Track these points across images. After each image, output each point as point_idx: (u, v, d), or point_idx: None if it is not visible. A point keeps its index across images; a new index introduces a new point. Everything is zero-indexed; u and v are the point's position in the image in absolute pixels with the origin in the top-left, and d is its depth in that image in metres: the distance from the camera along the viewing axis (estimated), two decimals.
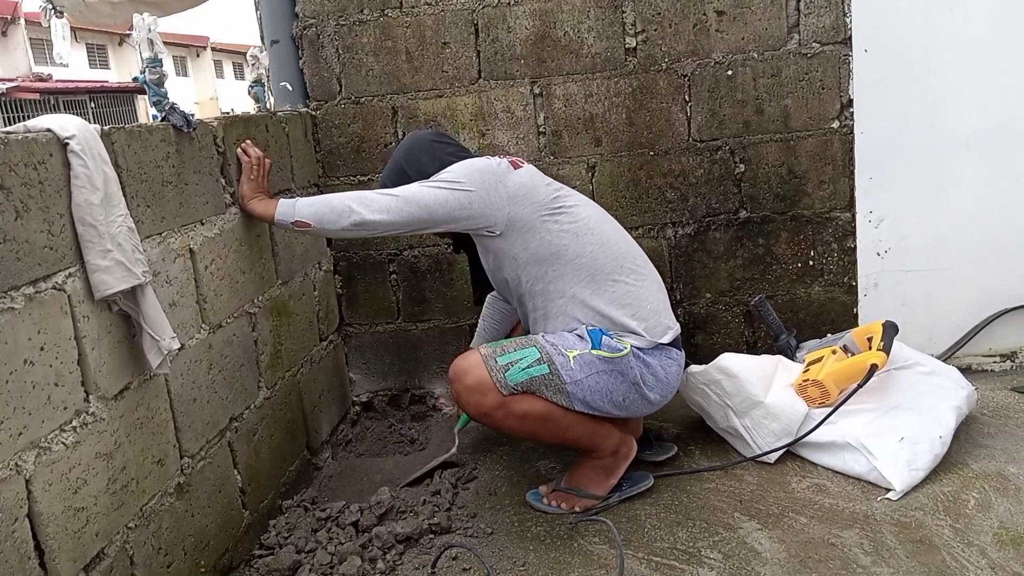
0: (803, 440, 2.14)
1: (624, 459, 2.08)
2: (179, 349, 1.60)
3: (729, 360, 2.24)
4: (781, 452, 2.17)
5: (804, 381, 2.18)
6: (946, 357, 2.59)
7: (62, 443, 1.34)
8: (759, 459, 2.18)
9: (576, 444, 2.05)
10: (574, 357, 1.92)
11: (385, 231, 1.97)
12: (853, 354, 2.22)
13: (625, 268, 2.01)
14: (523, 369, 1.90)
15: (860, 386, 2.10)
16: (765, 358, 2.32)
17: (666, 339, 2.00)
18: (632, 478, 2.10)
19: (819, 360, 2.24)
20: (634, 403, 1.98)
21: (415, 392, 2.85)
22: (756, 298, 2.56)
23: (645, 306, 2.00)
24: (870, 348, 2.18)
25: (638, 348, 1.97)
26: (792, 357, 2.44)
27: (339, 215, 1.94)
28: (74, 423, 1.38)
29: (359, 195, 1.96)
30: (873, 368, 2.09)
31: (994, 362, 2.65)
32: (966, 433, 2.19)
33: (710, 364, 2.26)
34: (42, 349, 1.31)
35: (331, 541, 1.94)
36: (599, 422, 2.02)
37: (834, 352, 2.24)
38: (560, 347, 1.93)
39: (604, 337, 1.95)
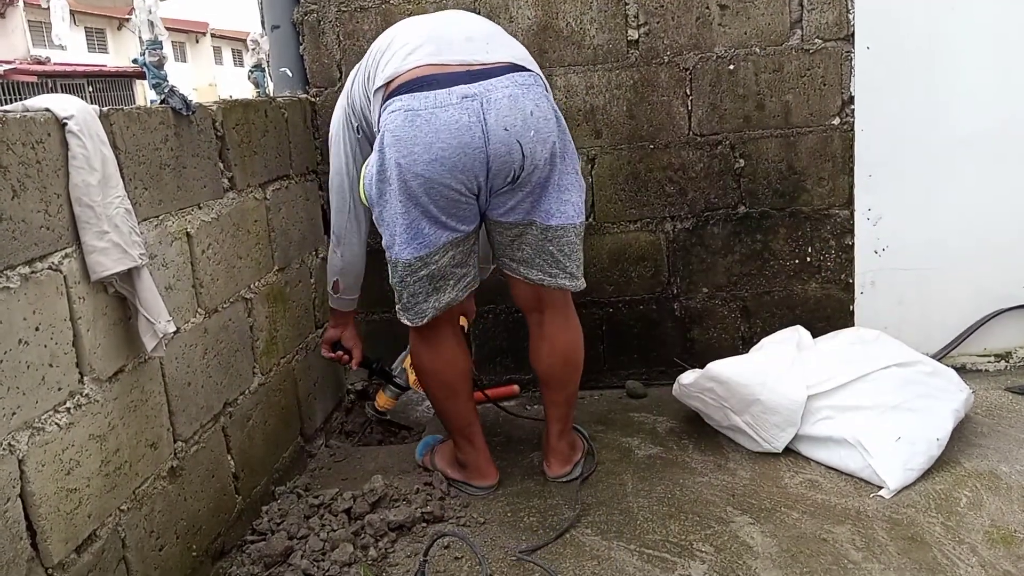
0: (800, 434, 2.15)
1: (466, 477, 2.15)
2: (174, 333, 1.60)
3: (718, 368, 2.23)
4: (787, 442, 2.18)
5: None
6: (941, 356, 2.59)
7: (56, 424, 1.34)
8: (766, 451, 2.20)
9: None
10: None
11: (350, 229, 2.13)
12: None
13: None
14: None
15: None
16: (754, 358, 2.31)
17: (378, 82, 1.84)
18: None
19: None
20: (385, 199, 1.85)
21: None
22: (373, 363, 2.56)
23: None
24: None
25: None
26: (389, 375, 2.57)
27: (330, 250, 2.16)
28: (68, 404, 1.38)
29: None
30: None
31: (989, 362, 2.66)
32: (959, 432, 2.19)
33: (699, 375, 2.26)
34: (37, 329, 1.30)
35: (323, 528, 1.94)
36: (466, 436, 2.11)
37: None
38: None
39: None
